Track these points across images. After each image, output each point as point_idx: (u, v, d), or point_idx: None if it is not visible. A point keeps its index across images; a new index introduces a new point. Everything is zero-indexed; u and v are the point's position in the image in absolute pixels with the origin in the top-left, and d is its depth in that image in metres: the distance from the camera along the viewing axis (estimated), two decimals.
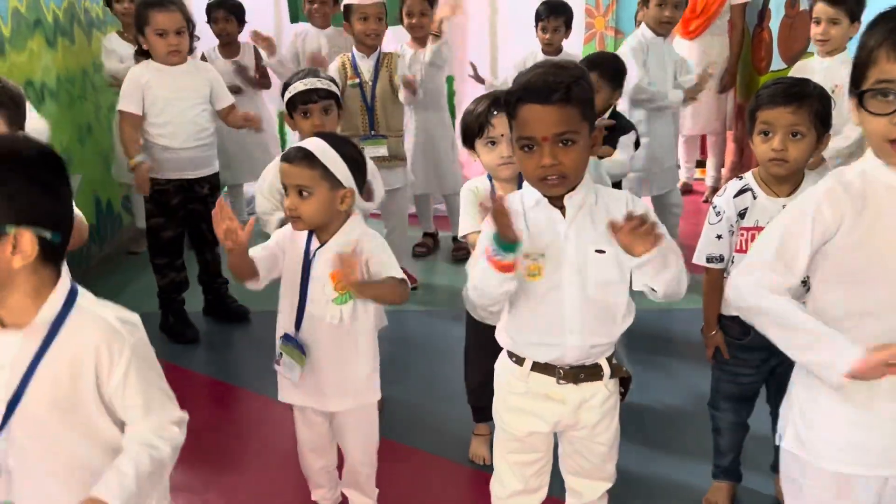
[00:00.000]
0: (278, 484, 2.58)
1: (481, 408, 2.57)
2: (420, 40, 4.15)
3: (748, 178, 2.14)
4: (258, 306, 3.63)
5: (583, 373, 1.77)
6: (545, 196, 1.72)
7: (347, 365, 2.11)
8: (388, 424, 2.63)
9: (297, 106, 2.69)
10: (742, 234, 2.11)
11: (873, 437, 1.51)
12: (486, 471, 2.51)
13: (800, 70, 3.52)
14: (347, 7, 3.78)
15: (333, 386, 2.12)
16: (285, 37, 5.00)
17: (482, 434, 2.66)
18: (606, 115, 3.13)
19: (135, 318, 1.49)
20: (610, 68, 3.13)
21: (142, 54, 3.41)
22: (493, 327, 1.88)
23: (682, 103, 3.78)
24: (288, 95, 2.72)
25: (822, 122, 2.01)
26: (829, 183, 1.47)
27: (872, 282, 1.44)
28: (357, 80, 3.78)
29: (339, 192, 2.02)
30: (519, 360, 1.81)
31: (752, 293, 1.51)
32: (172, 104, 3.38)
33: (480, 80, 4.45)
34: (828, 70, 3.27)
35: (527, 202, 1.74)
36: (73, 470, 1.45)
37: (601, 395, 1.80)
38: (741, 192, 2.12)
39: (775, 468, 2.36)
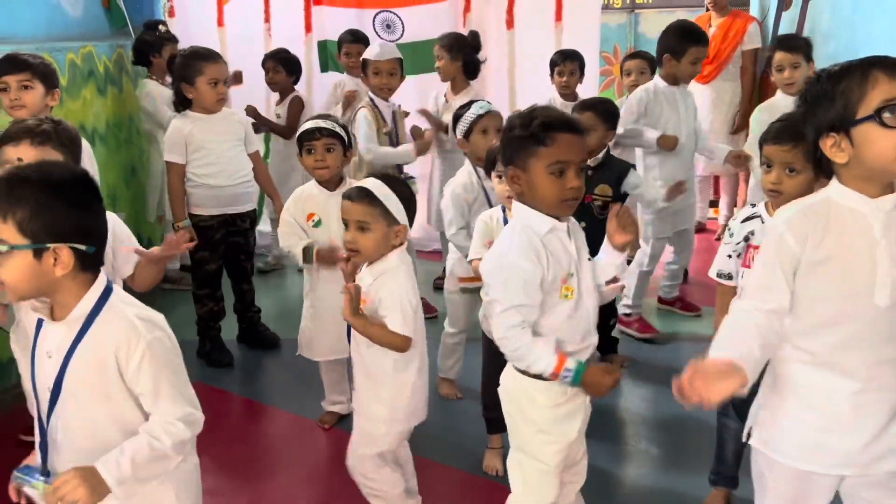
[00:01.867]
0: (304, 493, 2.78)
1: (496, 419, 2.70)
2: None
3: (759, 206, 2.41)
4: (288, 335, 3.86)
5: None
6: (556, 219, 1.94)
7: None
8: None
9: (303, 143, 2.97)
10: (751, 251, 2.36)
11: (832, 440, 1.67)
12: (499, 481, 2.71)
13: (768, 108, 3.81)
14: (365, 61, 4.10)
15: None
16: (316, 83, 5.34)
17: (496, 447, 2.85)
18: (600, 154, 3.38)
19: (157, 317, 1.72)
20: (603, 109, 3.39)
21: (182, 103, 3.69)
22: None
23: (655, 144, 3.87)
24: (298, 136, 3.02)
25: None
26: (789, 212, 1.67)
27: (836, 295, 1.62)
28: (387, 129, 4.02)
29: (395, 227, 2.27)
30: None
31: (742, 313, 1.68)
32: (215, 147, 3.68)
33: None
34: (790, 106, 3.54)
35: (540, 230, 1.92)
36: (105, 449, 1.66)
37: None
38: (749, 218, 2.40)
39: (714, 483, 2.54)
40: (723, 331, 1.67)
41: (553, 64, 4.56)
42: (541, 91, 4.60)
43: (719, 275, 2.45)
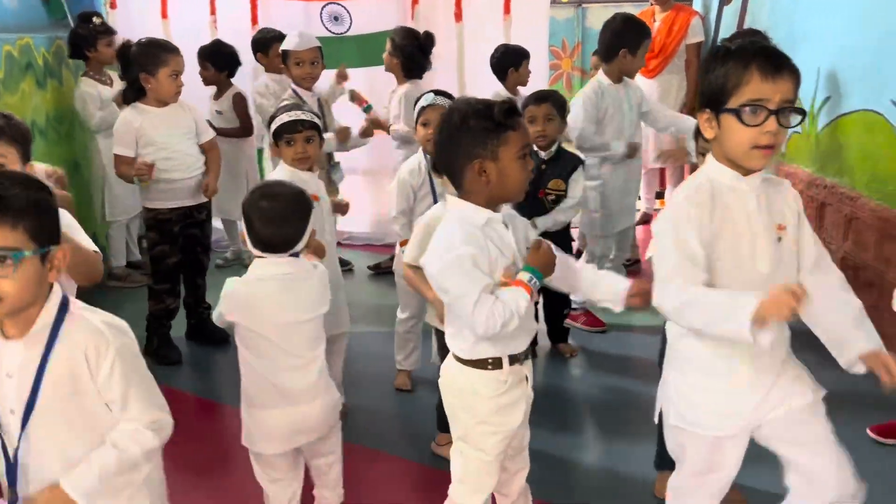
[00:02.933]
0: (258, 489, 2.75)
1: None
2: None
3: None
4: None
5: (529, 348, 2.05)
6: (493, 210, 1.96)
7: None
8: (354, 430, 2.86)
9: (282, 136, 2.95)
10: None
11: (739, 402, 1.83)
12: (446, 469, 2.74)
13: None
14: (285, 52, 4.08)
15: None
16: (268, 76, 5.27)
17: (445, 443, 2.86)
18: (553, 148, 3.43)
19: (122, 324, 1.68)
20: (557, 100, 3.43)
21: (135, 94, 3.61)
22: None
23: (623, 156, 3.92)
24: (274, 126, 2.97)
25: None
26: (684, 191, 1.80)
27: (727, 266, 1.75)
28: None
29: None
30: (497, 364, 1.98)
31: (676, 293, 1.74)
32: (170, 140, 3.64)
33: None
34: None
35: (477, 222, 1.92)
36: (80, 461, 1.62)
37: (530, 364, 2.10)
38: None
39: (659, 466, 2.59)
40: (704, 304, 1.69)
41: (507, 65, 4.52)
42: (490, 84, 4.62)
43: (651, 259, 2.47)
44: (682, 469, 1.96)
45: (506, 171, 1.91)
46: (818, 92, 4.01)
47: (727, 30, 5.17)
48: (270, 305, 2.20)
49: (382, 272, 4.84)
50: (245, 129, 4.96)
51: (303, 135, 2.93)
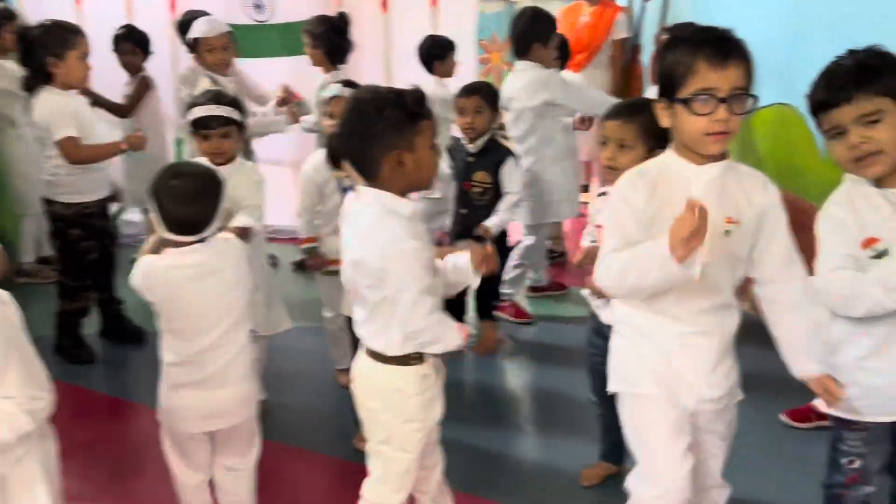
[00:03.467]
0: (171, 491, 2.66)
1: None
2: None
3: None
4: (154, 327, 3.70)
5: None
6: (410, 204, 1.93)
7: None
8: (275, 428, 2.80)
9: (198, 128, 2.84)
10: (601, 232, 2.39)
11: (672, 374, 1.84)
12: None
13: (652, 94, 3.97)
14: (195, 40, 3.97)
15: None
16: (183, 62, 5.11)
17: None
18: (481, 141, 3.42)
19: (3, 294, 1.62)
20: (488, 92, 3.41)
21: (41, 80, 3.40)
22: None
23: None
24: (190, 117, 2.87)
25: (653, 137, 2.26)
26: (627, 176, 1.83)
27: None
28: None
29: None
30: (419, 358, 1.96)
31: (609, 267, 1.78)
32: (93, 127, 3.50)
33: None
34: None
35: (404, 213, 1.89)
36: None
37: None
38: (602, 194, 2.46)
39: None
40: (633, 262, 1.73)
41: (433, 56, 4.50)
42: (418, 76, 4.57)
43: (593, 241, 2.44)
44: (638, 443, 1.95)
45: (421, 160, 1.89)
46: None
47: (651, 26, 5.24)
48: (187, 291, 2.13)
49: (305, 268, 4.75)
50: (122, 109, 4.72)
51: (218, 131, 2.83)
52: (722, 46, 1.65)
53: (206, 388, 2.16)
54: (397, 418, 1.99)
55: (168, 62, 4.96)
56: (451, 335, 1.92)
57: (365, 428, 2.09)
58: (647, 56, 5.28)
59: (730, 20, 3.93)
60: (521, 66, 4.00)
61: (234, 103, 2.95)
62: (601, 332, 2.39)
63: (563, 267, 4.72)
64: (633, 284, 1.76)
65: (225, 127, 2.84)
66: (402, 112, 1.86)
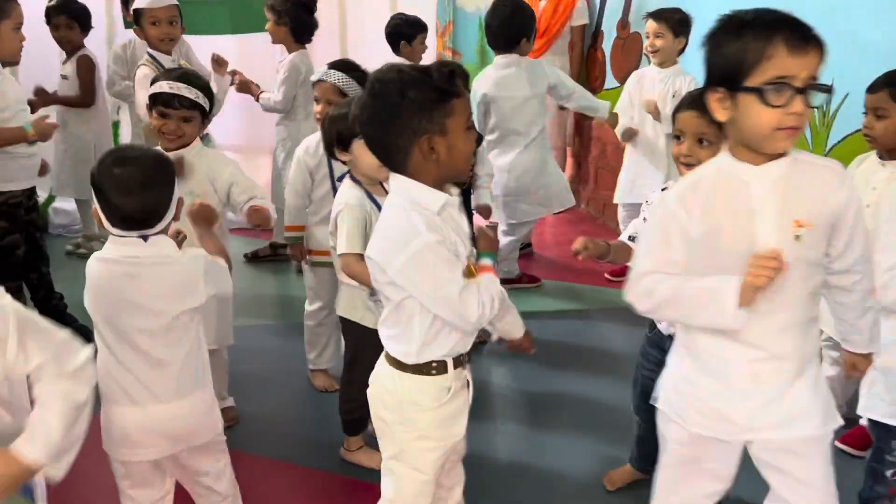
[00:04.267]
0: None
1: (360, 420, 2.55)
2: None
3: (670, 182, 2.23)
4: None
5: (473, 346, 1.83)
6: (448, 194, 1.73)
7: None
8: (248, 439, 2.55)
9: (157, 104, 2.54)
10: None
11: (727, 407, 1.65)
12: (363, 478, 2.49)
13: (638, 78, 4.02)
14: (138, 11, 3.66)
15: None
16: (120, 40, 4.75)
17: (357, 448, 2.61)
18: None
19: None
20: (464, 74, 3.21)
21: None
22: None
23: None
24: (152, 90, 2.56)
25: None
26: (679, 187, 1.64)
27: (724, 267, 1.57)
28: None
29: None
30: (441, 368, 1.77)
31: (653, 295, 1.61)
32: (23, 107, 3.18)
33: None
34: (665, 79, 3.80)
35: (433, 206, 1.69)
36: None
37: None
38: (666, 188, 2.20)
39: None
40: (680, 299, 1.59)
41: (401, 35, 4.28)
42: (375, 59, 4.33)
43: (632, 238, 2.24)
44: (664, 457, 1.80)
45: (455, 145, 1.68)
46: None
47: (612, 13, 5.14)
48: (116, 291, 1.83)
49: (260, 260, 4.48)
50: (85, 98, 4.36)
51: (180, 112, 2.53)
52: (802, 30, 1.48)
53: (146, 403, 1.87)
54: (410, 433, 1.80)
55: (103, 41, 4.58)
56: (496, 284, 1.72)
57: (378, 441, 1.89)
58: (608, 44, 5.19)
59: (699, 6, 3.92)
60: (507, 60, 3.91)
61: (206, 89, 2.66)
62: (657, 343, 2.23)
63: (532, 258, 4.58)
64: (671, 317, 1.64)
65: (189, 110, 2.55)
66: (429, 91, 1.64)
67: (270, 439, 2.75)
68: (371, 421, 1.90)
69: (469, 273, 1.70)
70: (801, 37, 1.46)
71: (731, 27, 1.52)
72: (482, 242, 1.79)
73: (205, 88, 2.62)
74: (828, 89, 1.51)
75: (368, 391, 1.87)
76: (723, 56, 1.52)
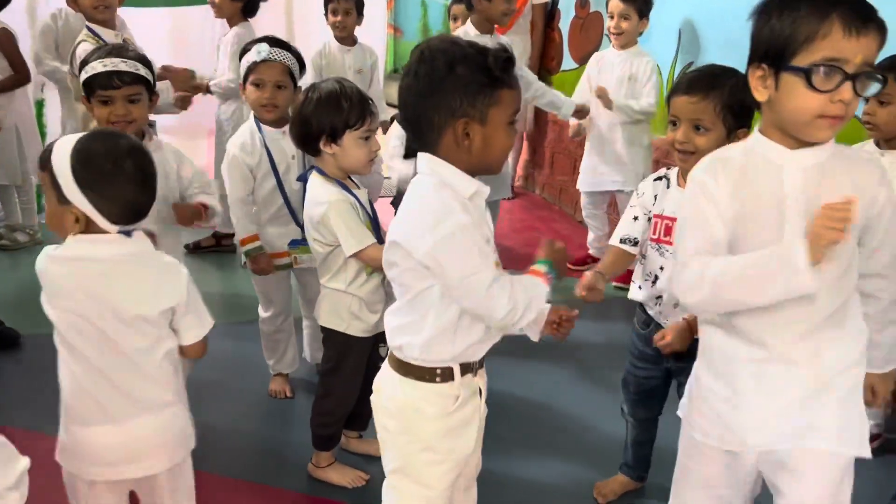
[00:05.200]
0: None
1: (334, 435, 2.38)
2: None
3: (671, 170, 2.10)
4: (31, 329, 3.05)
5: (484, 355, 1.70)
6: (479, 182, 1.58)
7: None
8: (206, 456, 2.25)
9: (94, 91, 2.22)
10: (658, 223, 2.07)
11: (735, 414, 1.53)
12: (331, 496, 2.30)
13: (597, 61, 3.88)
14: None
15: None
16: (40, 13, 4.34)
17: (327, 464, 2.38)
18: None
19: None
20: None
21: None
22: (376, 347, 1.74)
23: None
24: (84, 76, 2.23)
25: (733, 114, 1.90)
26: (705, 163, 1.51)
27: (750, 244, 1.45)
28: None
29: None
30: (447, 375, 1.62)
31: (703, 282, 1.45)
32: None
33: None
34: (625, 61, 3.69)
35: (464, 192, 1.54)
36: None
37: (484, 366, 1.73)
38: (659, 178, 2.09)
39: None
40: (738, 278, 1.42)
41: (326, 1, 3.98)
42: (324, 36, 4.08)
43: (623, 240, 2.11)
44: (676, 474, 1.69)
45: (492, 138, 1.53)
46: (679, 56, 3.90)
47: None
48: (91, 293, 1.60)
49: (203, 251, 4.18)
50: (19, 77, 3.97)
51: (123, 92, 2.23)
52: (863, 9, 1.33)
53: (117, 422, 1.66)
54: (413, 444, 1.65)
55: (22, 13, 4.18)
56: (543, 292, 1.58)
57: (381, 454, 1.73)
58: (566, 24, 5.02)
59: None
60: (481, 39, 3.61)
61: (144, 60, 2.36)
62: (646, 339, 2.10)
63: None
64: (730, 302, 1.45)
65: (133, 87, 2.24)
66: (480, 73, 1.49)
67: (229, 455, 2.49)
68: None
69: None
70: (861, 17, 1.32)
71: (786, 0, 1.37)
72: (546, 250, 1.64)
73: (143, 59, 2.31)
74: (882, 79, 1.37)
75: (371, 398, 1.72)
76: (772, 29, 1.37)
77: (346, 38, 3.96)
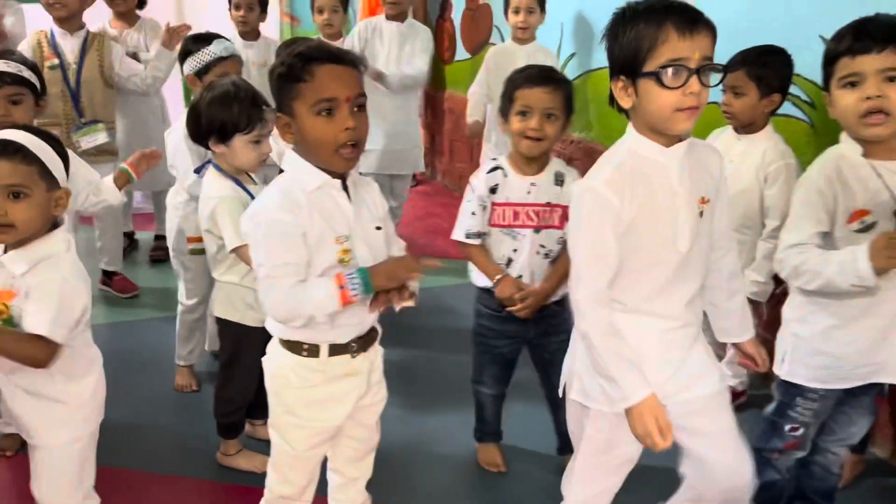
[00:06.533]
0: None
1: (238, 423, 2.47)
2: (125, 17, 3.84)
3: (501, 159, 2.28)
4: None
5: (368, 339, 1.81)
6: (330, 174, 1.68)
7: None
8: (115, 451, 2.32)
9: None
10: (496, 210, 2.23)
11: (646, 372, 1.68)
12: (241, 482, 2.37)
13: (500, 54, 3.91)
14: None
15: None
16: None
17: (235, 451, 2.47)
18: None
19: None
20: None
21: None
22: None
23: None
24: None
25: (570, 107, 2.19)
26: (604, 172, 1.61)
27: (648, 246, 1.62)
28: (57, 62, 3.34)
29: (55, 192, 1.72)
30: (313, 351, 1.74)
31: (587, 307, 1.60)
32: None
33: None
34: (529, 55, 3.72)
35: (307, 185, 1.66)
36: None
37: (379, 355, 1.87)
38: (493, 170, 2.24)
39: (562, 451, 2.46)
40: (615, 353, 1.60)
41: None
42: (217, 31, 4.07)
43: (468, 236, 2.26)
44: (581, 449, 1.80)
45: (303, 128, 1.65)
46: (563, 47, 4.09)
47: None
48: None
49: None
50: None
51: (4, 92, 2.26)
52: (689, 14, 1.53)
53: None
54: (280, 406, 1.82)
55: None
56: (321, 295, 1.62)
57: None
58: (458, 14, 5.16)
59: None
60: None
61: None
62: (499, 318, 2.30)
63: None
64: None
65: (15, 87, 2.28)
66: (282, 68, 1.67)
67: (136, 449, 2.54)
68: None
69: (339, 258, 1.66)
70: (690, 20, 1.51)
71: (626, 18, 1.57)
72: (385, 263, 1.70)
73: (29, 64, 2.34)
74: (721, 68, 1.57)
75: (264, 360, 1.85)
76: (621, 45, 1.56)
77: (249, 32, 3.96)
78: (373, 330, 1.83)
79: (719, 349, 2.94)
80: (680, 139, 1.61)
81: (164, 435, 2.66)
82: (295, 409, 1.78)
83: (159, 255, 4.03)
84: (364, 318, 1.76)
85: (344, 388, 1.79)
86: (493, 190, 2.22)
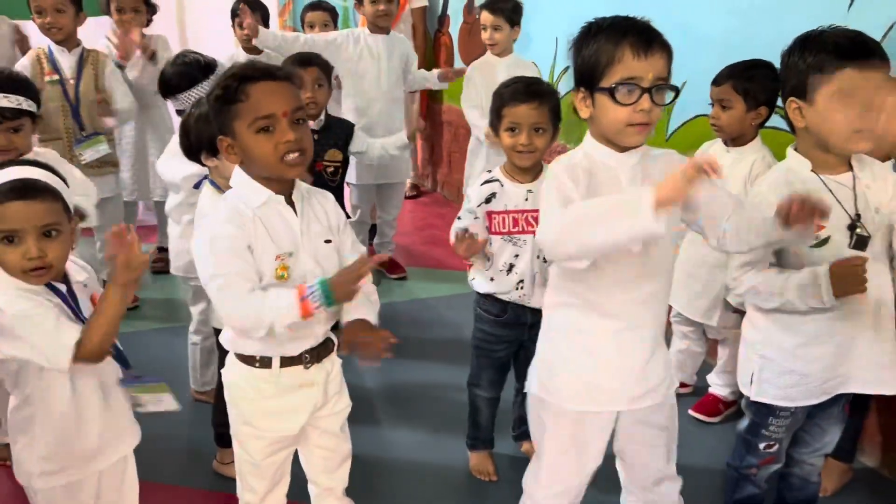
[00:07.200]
0: None
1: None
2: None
3: (496, 171, 2.36)
4: None
5: (322, 350, 1.84)
6: (275, 192, 1.72)
7: None
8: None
9: None
10: (495, 218, 2.31)
11: (602, 379, 1.76)
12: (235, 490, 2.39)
13: (481, 66, 3.98)
14: None
15: None
16: None
17: (231, 460, 2.48)
18: (322, 116, 3.19)
19: None
20: (325, 63, 3.16)
21: None
22: None
23: None
24: None
25: (559, 118, 2.28)
26: (563, 163, 1.70)
27: None
28: (56, 77, 3.41)
29: (72, 223, 1.76)
30: (266, 363, 1.79)
31: (564, 219, 1.59)
32: None
33: None
34: (509, 67, 3.80)
35: (253, 202, 1.70)
36: None
37: (336, 365, 1.90)
38: (488, 181, 2.33)
39: (518, 437, 2.56)
40: (591, 213, 1.55)
41: (234, 13, 4.13)
42: (218, 45, 4.15)
43: (456, 232, 2.33)
44: (542, 448, 1.87)
45: (245, 147, 1.68)
46: (557, 61, 4.13)
47: None
48: None
49: None
50: None
51: (5, 126, 2.33)
52: (646, 35, 1.60)
53: None
54: (237, 416, 1.88)
55: None
56: (282, 304, 1.63)
57: None
58: (456, 28, 5.21)
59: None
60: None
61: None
62: (500, 322, 2.38)
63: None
64: (582, 239, 1.55)
65: (15, 121, 2.34)
66: (219, 91, 1.71)
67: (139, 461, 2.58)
68: None
69: (279, 274, 1.69)
70: (645, 41, 1.58)
71: (590, 33, 1.64)
72: (340, 272, 1.71)
73: (23, 87, 2.39)
74: (674, 88, 1.62)
75: (222, 370, 1.91)
76: (583, 59, 1.64)
77: (252, 48, 4.07)
78: (328, 341, 1.86)
79: (711, 357, 3.00)
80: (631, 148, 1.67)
81: (161, 444, 2.68)
82: (251, 420, 1.83)
83: (160, 267, 4.04)
84: (317, 331, 1.80)
85: (299, 398, 1.83)
86: (488, 200, 2.29)
